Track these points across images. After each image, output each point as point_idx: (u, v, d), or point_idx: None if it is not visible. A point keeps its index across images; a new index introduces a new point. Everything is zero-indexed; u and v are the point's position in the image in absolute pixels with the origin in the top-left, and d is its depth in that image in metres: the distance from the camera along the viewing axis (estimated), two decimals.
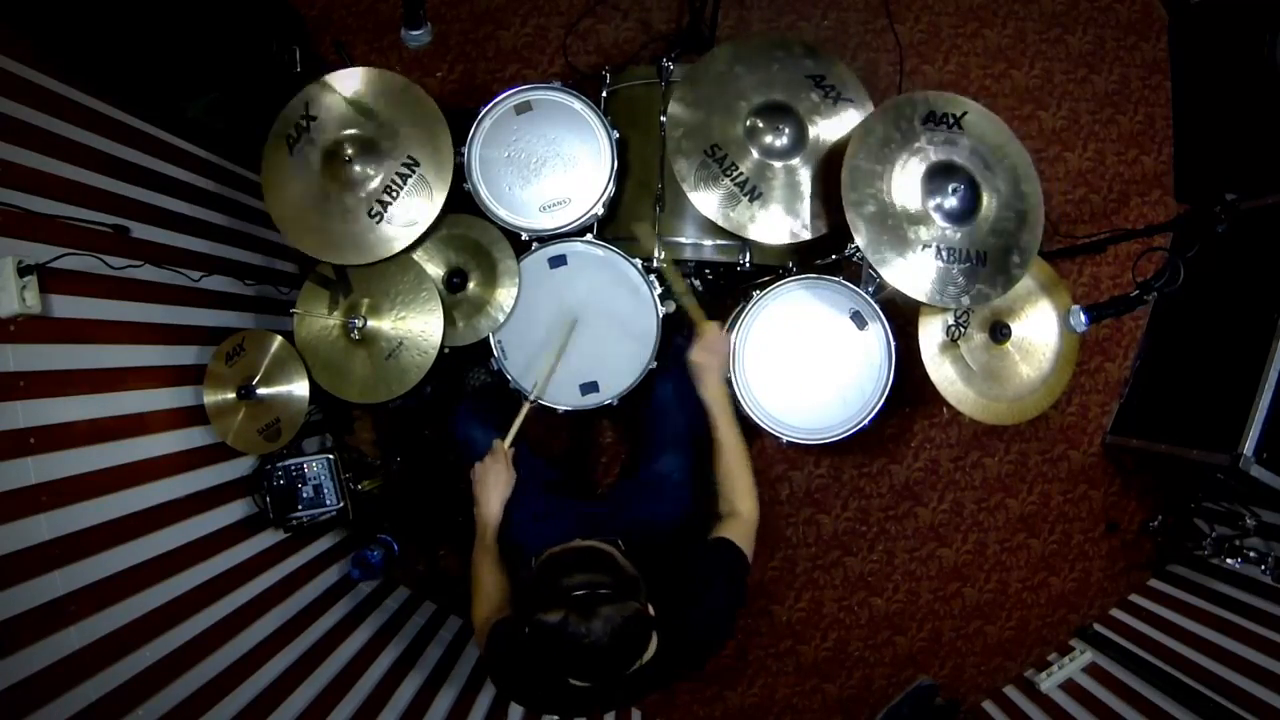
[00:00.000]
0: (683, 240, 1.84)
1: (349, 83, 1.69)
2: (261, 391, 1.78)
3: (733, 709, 2.45)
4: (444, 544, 2.38)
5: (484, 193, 1.77)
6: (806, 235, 1.73)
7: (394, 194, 1.67)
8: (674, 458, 1.77)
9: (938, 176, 1.63)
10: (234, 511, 1.83)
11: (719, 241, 1.83)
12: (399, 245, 1.68)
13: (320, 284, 1.79)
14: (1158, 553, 2.52)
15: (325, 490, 1.94)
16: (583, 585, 1.10)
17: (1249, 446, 1.97)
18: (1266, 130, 2.22)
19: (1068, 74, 2.53)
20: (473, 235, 1.82)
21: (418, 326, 1.77)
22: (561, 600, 1.10)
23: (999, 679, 2.52)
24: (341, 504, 1.95)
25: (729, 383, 1.78)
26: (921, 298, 1.62)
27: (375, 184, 1.67)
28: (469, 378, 2.22)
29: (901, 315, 1.79)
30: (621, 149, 1.79)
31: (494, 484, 1.63)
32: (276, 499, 1.89)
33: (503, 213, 1.77)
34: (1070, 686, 2.34)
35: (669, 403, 1.81)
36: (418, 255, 1.79)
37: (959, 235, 1.62)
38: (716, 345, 1.65)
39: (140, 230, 1.66)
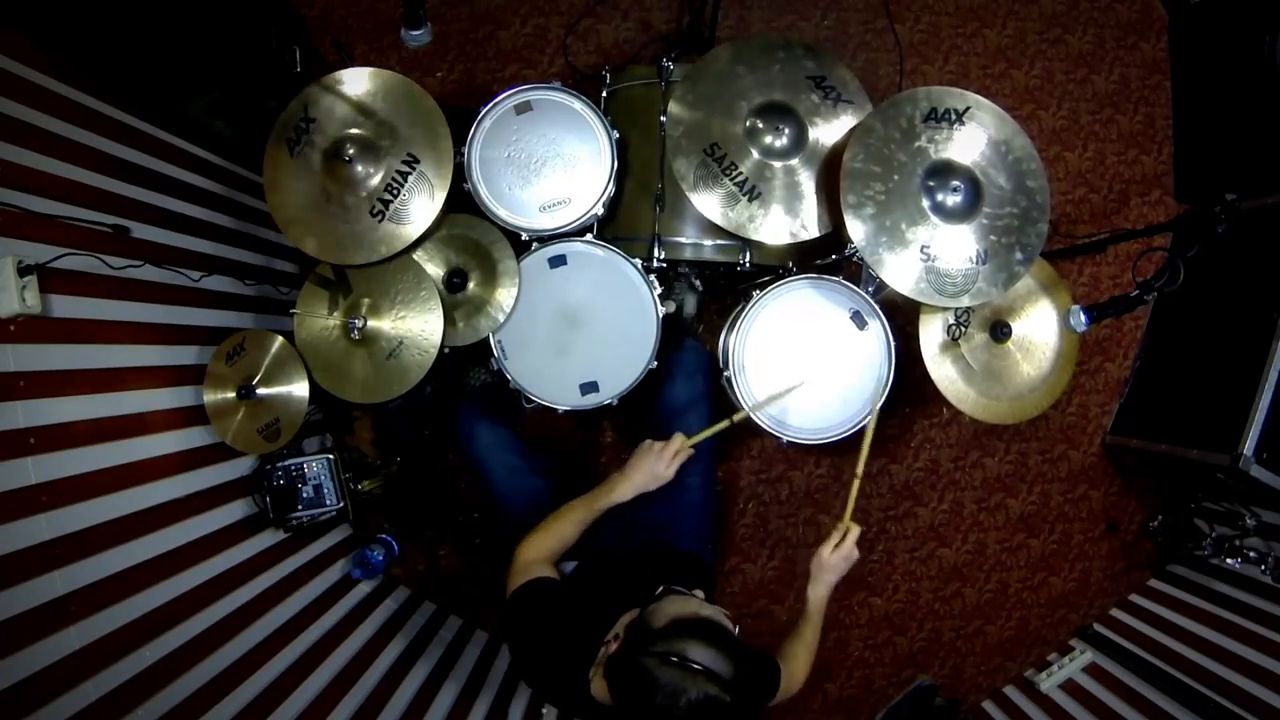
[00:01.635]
0: (683, 240, 1.84)
1: (348, 83, 1.69)
2: (261, 391, 1.78)
3: None
4: (444, 544, 2.38)
5: (484, 193, 1.77)
6: (806, 235, 1.73)
7: (394, 192, 1.67)
8: (689, 462, 1.77)
9: (938, 175, 1.63)
10: (234, 511, 1.83)
11: (719, 241, 1.83)
12: (400, 244, 1.68)
13: (320, 285, 1.79)
14: (1158, 553, 2.52)
15: (325, 490, 1.94)
16: (708, 665, 1.10)
17: (1249, 446, 1.97)
18: (1266, 130, 2.23)
19: (1068, 74, 2.54)
20: (473, 235, 1.82)
21: (418, 326, 1.77)
22: (680, 664, 1.09)
23: (999, 679, 2.52)
24: (341, 504, 1.95)
25: (728, 383, 1.78)
26: (921, 298, 1.62)
27: (375, 182, 1.67)
28: (469, 378, 2.22)
29: (902, 315, 1.79)
30: (621, 149, 1.79)
31: (641, 469, 1.54)
32: (276, 499, 1.89)
33: (503, 213, 1.77)
34: (1070, 686, 2.34)
35: (679, 406, 1.80)
36: (418, 255, 1.79)
37: (959, 234, 1.62)
38: (851, 555, 1.53)
39: (140, 230, 1.66)
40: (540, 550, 1.49)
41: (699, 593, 1.29)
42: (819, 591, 1.53)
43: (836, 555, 1.52)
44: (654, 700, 1.09)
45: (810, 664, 1.53)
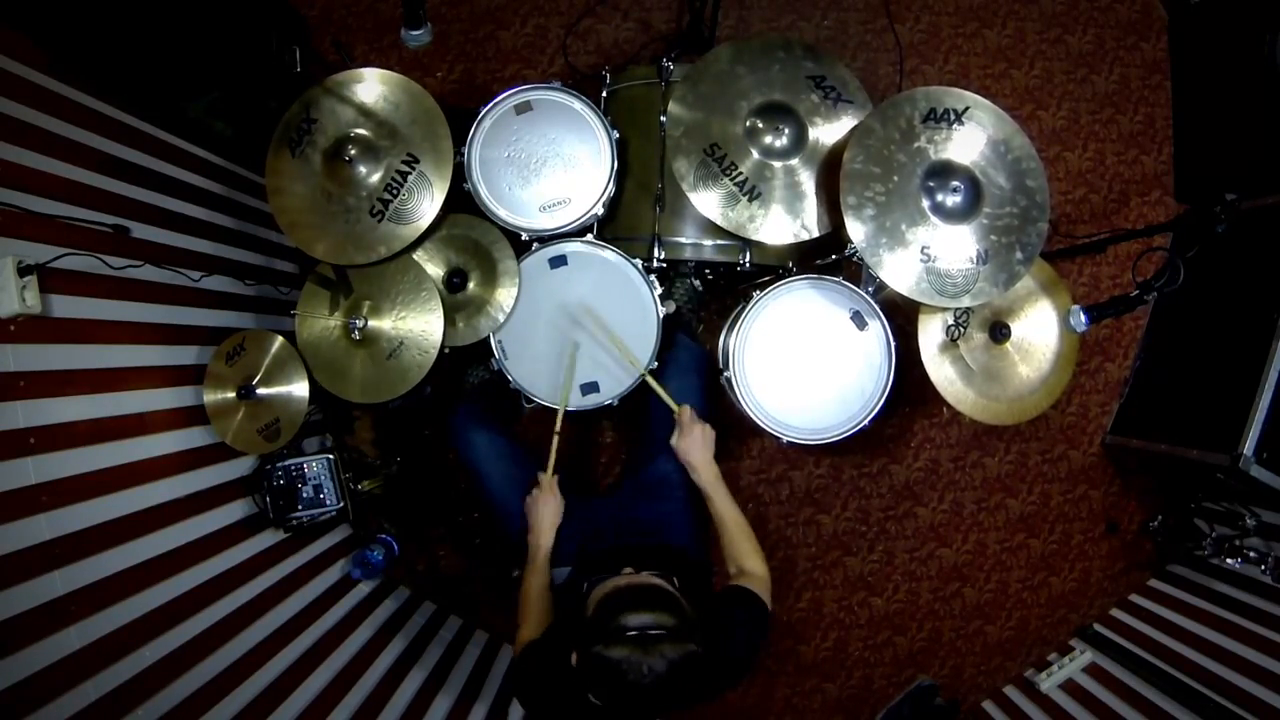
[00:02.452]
0: (683, 240, 1.84)
1: (349, 83, 1.69)
2: (261, 391, 1.78)
3: (732, 708, 2.45)
4: (444, 544, 2.38)
5: (484, 193, 1.77)
6: (806, 235, 1.73)
7: (394, 192, 1.67)
8: (675, 460, 1.77)
9: (938, 175, 1.62)
10: (234, 511, 1.83)
11: (719, 241, 1.83)
12: (400, 244, 1.68)
13: (320, 285, 1.79)
14: (1158, 553, 2.52)
15: (325, 490, 1.94)
16: (650, 626, 1.11)
17: (1249, 446, 1.97)
18: (1266, 130, 2.22)
19: (1068, 74, 2.53)
20: (473, 235, 1.82)
21: (418, 326, 1.77)
22: (625, 638, 1.10)
23: (999, 679, 2.52)
24: (341, 504, 1.95)
25: (728, 383, 1.78)
26: (921, 298, 1.62)
27: (375, 181, 1.67)
28: (468, 375, 2.22)
29: (901, 315, 1.79)
30: (621, 149, 1.79)
31: (544, 514, 1.69)
32: (276, 499, 1.89)
33: (503, 213, 1.77)
34: (1070, 686, 2.34)
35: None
36: (418, 255, 1.79)
37: (959, 234, 1.62)
38: (694, 430, 1.66)
39: (140, 230, 1.66)
40: (529, 630, 1.52)
41: (628, 569, 1.29)
42: (701, 475, 1.65)
43: (684, 440, 1.65)
44: (626, 681, 1.09)
45: (755, 546, 1.60)
